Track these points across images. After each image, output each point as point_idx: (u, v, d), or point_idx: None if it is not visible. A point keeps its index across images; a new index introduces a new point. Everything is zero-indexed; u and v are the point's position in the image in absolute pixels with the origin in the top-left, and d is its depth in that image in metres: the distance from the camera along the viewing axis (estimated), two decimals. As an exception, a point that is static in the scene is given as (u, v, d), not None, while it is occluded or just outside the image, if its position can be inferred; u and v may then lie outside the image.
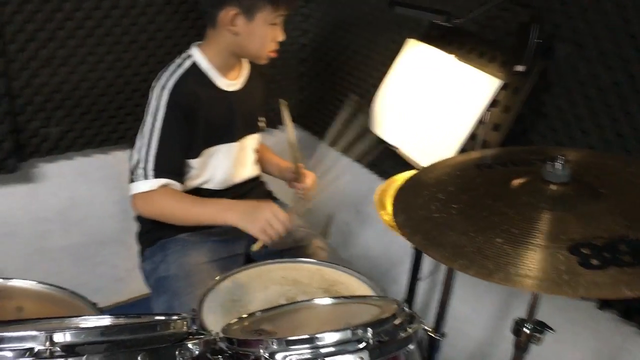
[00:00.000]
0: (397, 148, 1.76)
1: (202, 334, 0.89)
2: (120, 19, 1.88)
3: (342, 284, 1.42)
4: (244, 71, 1.69)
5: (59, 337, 0.79)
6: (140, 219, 1.69)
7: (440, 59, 1.69)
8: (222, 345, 0.95)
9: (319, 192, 1.80)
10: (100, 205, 2.16)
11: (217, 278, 1.41)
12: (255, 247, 1.49)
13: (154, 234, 1.63)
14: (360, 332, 0.89)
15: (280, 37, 1.58)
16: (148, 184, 1.49)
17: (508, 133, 1.49)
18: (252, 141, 1.74)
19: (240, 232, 1.68)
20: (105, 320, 0.96)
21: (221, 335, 0.96)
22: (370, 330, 0.89)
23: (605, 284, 0.75)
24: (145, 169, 1.49)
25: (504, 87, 1.51)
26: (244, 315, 1.14)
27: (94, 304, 1.34)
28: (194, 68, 1.57)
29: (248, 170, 1.75)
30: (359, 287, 1.41)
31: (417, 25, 1.87)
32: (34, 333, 0.80)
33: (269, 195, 1.85)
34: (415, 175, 1.10)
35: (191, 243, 1.60)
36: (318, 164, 2.55)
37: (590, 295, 0.74)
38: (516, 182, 0.98)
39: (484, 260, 0.81)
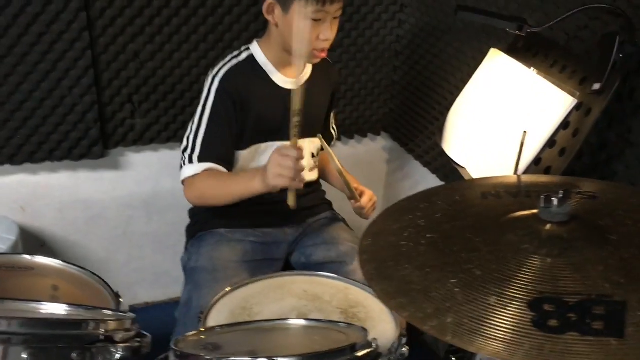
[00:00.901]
0: (463, 168, 1.61)
1: (141, 337, 0.86)
2: (206, 18, 1.92)
3: (364, 307, 1.32)
4: (306, 71, 1.64)
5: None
6: (190, 212, 1.71)
7: (519, 72, 1.51)
8: (171, 355, 0.91)
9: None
10: (182, 197, 2.22)
11: (236, 281, 1.38)
12: (290, 200, 1.42)
13: (197, 227, 1.65)
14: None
15: (325, 35, 1.49)
16: (193, 169, 1.51)
17: (574, 159, 1.29)
18: (308, 145, 1.68)
19: (281, 236, 1.64)
20: (53, 310, 0.95)
21: (172, 345, 0.93)
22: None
23: (551, 352, 0.59)
24: (191, 155, 1.51)
25: (578, 108, 1.31)
26: (202, 329, 1.10)
27: (116, 294, 1.37)
28: (250, 60, 1.56)
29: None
30: (380, 312, 1.30)
31: (506, 34, 1.69)
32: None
33: (326, 204, 1.78)
34: (416, 194, 0.98)
35: (227, 239, 1.58)
36: (404, 176, 2.44)
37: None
38: (512, 216, 0.82)
39: (424, 302, 0.69)
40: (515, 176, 1.21)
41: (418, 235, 0.82)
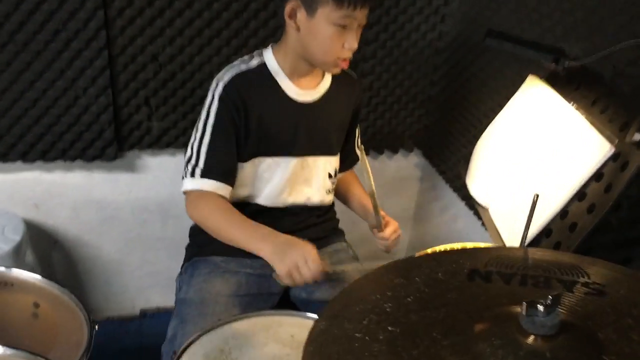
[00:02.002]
0: (484, 208, 1.45)
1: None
2: (229, 22, 1.82)
3: None
4: (324, 83, 1.51)
5: None
6: (191, 230, 1.63)
7: (557, 105, 1.34)
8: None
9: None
10: (198, 204, 2.16)
11: (218, 319, 1.28)
12: (281, 283, 1.32)
13: (193, 249, 1.56)
14: None
15: (350, 43, 1.36)
16: (195, 183, 1.41)
17: (602, 219, 1.12)
18: (323, 163, 1.55)
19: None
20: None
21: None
22: None
23: None
24: (195, 166, 1.41)
25: (614, 158, 1.14)
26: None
27: (93, 321, 1.29)
28: (261, 67, 1.44)
29: (310, 194, 1.55)
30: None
31: (549, 59, 1.52)
32: None
33: (337, 234, 1.66)
34: (396, 262, 0.85)
35: (221, 270, 1.48)
36: (434, 198, 2.28)
37: None
38: (494, 313, 0.68)
39: None
40: (521, 249, 1.05)
41: (378, 327, 0.69)
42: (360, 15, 1.35)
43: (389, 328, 0.69)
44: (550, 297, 0.62)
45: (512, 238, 1.32)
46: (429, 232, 2.32)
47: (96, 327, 1.28)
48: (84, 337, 1.25)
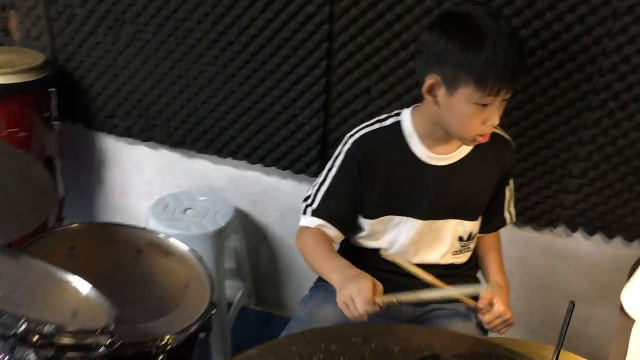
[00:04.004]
0: (630, 320, 1.21)
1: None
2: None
3: None
4: (463, 148, 1.45)
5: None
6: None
7: None
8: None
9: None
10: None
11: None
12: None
13: (319, 275, 1.64)
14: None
15: (492, 121, 1.31)
16: (306, 221, 1.52)
17: None
18: (454, 226, 1.50)
19: (396, 311, 1.53)
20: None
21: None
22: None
23: None
24: (309, 205, 1.51)
25: None
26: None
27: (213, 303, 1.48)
28: (395, 127, 1.46)
29: (435, 256, 1.51)
30: None
31: None
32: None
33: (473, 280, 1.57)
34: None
35: (334, 299, 1.52)
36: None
37: None
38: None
39: None
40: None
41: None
42: (504, 95, 1.28)
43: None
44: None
45: None
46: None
47: (214, 310, 1.46)
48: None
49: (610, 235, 1.92)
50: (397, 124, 1.47)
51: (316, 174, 2.09)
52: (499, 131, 1.50)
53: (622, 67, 1.69)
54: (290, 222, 2.29)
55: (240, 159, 2.17)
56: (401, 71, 1.88)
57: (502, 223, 1.60)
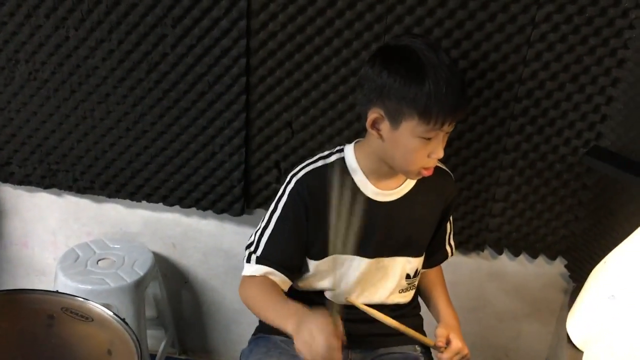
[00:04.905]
0: (577, 350, 1.22)
1: None
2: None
3: None
4: (408, 184, 1.43)
5: None
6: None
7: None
8: None
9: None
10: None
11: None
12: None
13: (260, 324, 1.55)
14: None
15: (436, 154, 1.29)
16: (250, 269, 1.44)
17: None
18: (402, 264, 1.47)
19: (344, 357, 1.45)
20: None
21: None
22: None
23: None
24: (253, 252, 1.44)
25: None
26: None
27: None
28: (339, 164, 1.42)
29: (382, 295, 1.48)
30: None
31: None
32: None
33: (417, 327, 1.53)
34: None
35: (279, 350, 1.45)
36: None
37: None
38: None
39: None
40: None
41: None
42: (448, 128, 1.26)
43: None
44: None
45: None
46: None
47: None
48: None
49: (533, 255, 1.97)
50: (342, 161, 1.43)
51: (241, 213, 2.01)
52: (439, 164, 1.49)
53: (537, 93, 1.73)
54: (214, 263, 2.18)
55: (157, 201, 2.04)
56: (322, 103, 1.84)
57: (444, 257, 1.60)
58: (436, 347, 1.39)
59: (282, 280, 1.42)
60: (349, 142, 1.75)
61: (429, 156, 1.31)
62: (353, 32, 1.72)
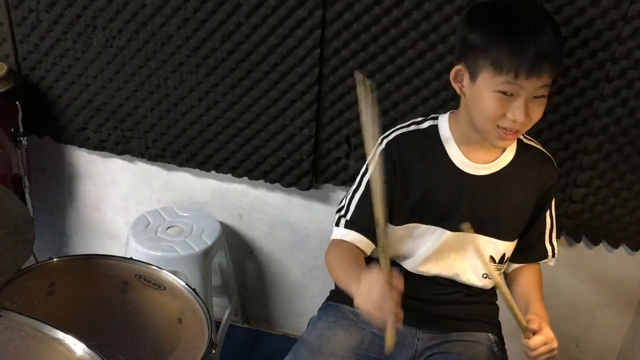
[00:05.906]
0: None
1: None
2: (440, 74, 1.75)
3: None
4: (503, 159, 1.38)
5: None
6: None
7: None
8: None
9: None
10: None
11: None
12: (387, 340, 1.15)
13: (332, 293, 1.55)
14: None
15: (513, 114, 1.22)
16: (339, 233, 1.42)
17: None
18: (485, 244, 1.40)
19: (411, 338, 1.44)
20: None
21: None
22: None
23: None
24: (343, 216, 1.42)
25: None
26: None
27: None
28: (432, 130, 1.39)
29: (459, 270, 1.42)
30: None
31: None
32: None
33: (487, 325, 1.47)
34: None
35: (348, 321, 1.43)
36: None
37: None
38: None
39: None
40: None
41: None
42: (530, 87, 1.19)
43: None
44: None
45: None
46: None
47: (214, 350, 1.34)
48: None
49: (614, 244, 1.87)
50: (435, 128, 1.40)
51: (308, 188, 1.99)
52: (539, 146, 1.44)
53: (630, 73, 1.62)
54: (279, 236, 2.18)
55: (225, 172, 2.04)
56: (398, 78, 1.77)
57: (543, 255, 1.49)
58: (528, 329, 1.29)
59: (367, 245, 1.39)
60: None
61: (505, 115, 1.24)
62: (433, 5, 1.65)
